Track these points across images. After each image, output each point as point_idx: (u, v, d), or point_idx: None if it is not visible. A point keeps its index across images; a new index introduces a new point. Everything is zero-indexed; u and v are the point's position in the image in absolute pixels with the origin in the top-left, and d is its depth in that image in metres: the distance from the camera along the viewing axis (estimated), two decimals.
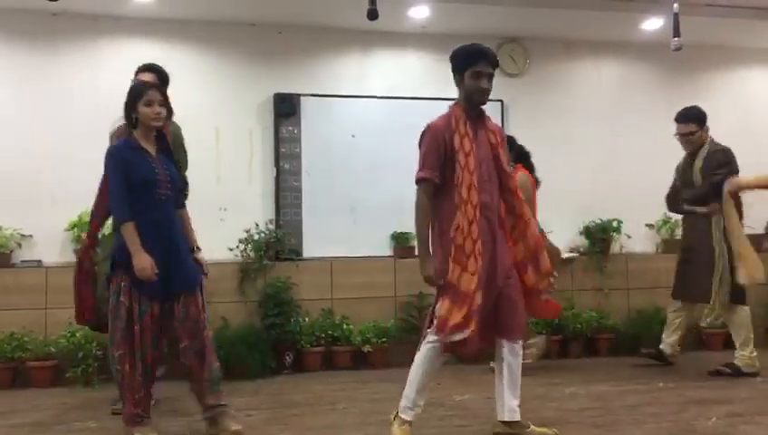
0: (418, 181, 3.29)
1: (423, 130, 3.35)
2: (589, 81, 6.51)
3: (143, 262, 3.26)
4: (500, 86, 6.26)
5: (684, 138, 5.11)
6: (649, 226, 6.36)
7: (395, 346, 5.50)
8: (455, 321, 3.14)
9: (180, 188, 3.62)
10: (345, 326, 5.38)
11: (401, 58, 6.15)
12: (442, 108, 6.46)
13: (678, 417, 3.74)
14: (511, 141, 4.96)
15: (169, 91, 5.59)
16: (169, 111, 3.53)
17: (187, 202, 5.48)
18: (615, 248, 6.10)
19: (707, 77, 6.75)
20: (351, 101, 5.96)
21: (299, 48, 5.93)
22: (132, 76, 4.35)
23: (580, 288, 5.97)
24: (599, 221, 6.05)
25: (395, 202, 5.66)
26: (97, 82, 5.47)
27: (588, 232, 6.13)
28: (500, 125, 6.16)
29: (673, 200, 5.27)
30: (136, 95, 3.46)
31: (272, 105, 5.81)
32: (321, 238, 5.74)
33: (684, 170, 5.17)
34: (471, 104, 3.35)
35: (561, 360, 5.62)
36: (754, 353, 4.83)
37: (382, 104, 5.99)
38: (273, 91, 5.80)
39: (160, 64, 5.67)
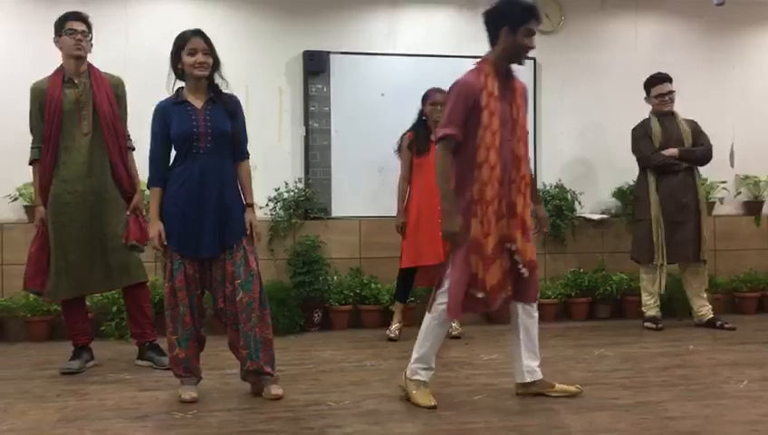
0: (443, 137, 3.21)
1: (452, 84, 3.27)
2: (626, 38, 6.34)
3: (152, 232, 3.34)
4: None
5: (665, 97, 5.26)
6: None
7: (422, 306, 5.51)
8: (482, 276, 3.15)
9: (239, 141, 3.46)
10: (373, 285, 5.41)
11: (431, 15, 6.04)
12: (470, 66, 6.37)
13: (709, 380, 3.71)
14: None
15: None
16: (216, 61, 3.40)
17: None
18: None
19: (751, 35, 6.51)
20: (381, 59, 5.88)
21: (328, 5, 5.85)
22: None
23: (612, 250, 5.90)
24: (631, 183, 5.95)
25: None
26: (127, 39, 5.48)
27: (620, 193, 6.05)
28: (532, 85, 6.09)
29: (658, 156, 5.24)
30: (179, 44, 3.36)
31: (301, 63, 5.76)
32: (349, 197, 5.74)
33: (668, 131, 5.24)
34: (510, 61, 3.28)
35: (590, 322, 5.59)
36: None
37: (411, 62, 5.91)
38: (302, 48, 5.75)
39: (190, 22, 5.67)
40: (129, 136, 4.14)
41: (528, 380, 3.38)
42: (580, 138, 6.17)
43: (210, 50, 3.37)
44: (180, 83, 3.46)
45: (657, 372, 3.90)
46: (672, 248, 5.17)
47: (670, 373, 3.85)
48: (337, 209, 5.73)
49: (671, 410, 3.20)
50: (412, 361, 3.36)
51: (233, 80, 5.61)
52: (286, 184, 5.56)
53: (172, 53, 3.39)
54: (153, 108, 3.46)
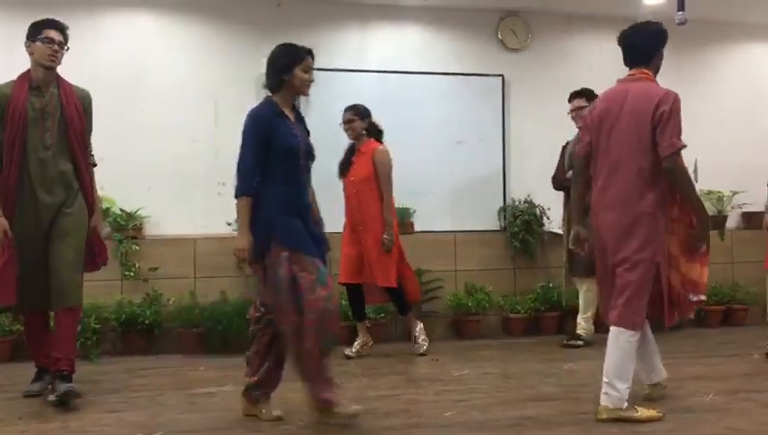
0: (682, 148, 3.26)
1: (673, 94, 3.32)
2: (591, 56, 6.44)
3: (244, 242, 3.15)
4: (501, 61, 6.26)
5: (574, 112, 5.33)
6: None
7: (393, 321, 5.51)
8: (703, 280, 3.48)
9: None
10: (344, 302, 5.37)
11: (401, 31, 6.09)
12: (440, 82, 6.44)
13: (676, 393, 3.75)
14: (367, 111, 4.99)
15: (167, 63, 5.55)
16: None
17: (185, 176, 5.56)
18: None
19: (712, 53, 6.67)
20: (350, 75, 5.90)
21: (298, 21, 5.86)
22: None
23: None
24: None
25: (394, 177, 5.62)
26: (95, 53, 5.42)
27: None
28: (500, 101, 6.17)
29: (557, 180, 5.43)
30: (294, 58, 3.24)
31: None
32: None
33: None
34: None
35: (560, 336, 5.62)
36: (592, 326, 5.26)
37: (381, 78, 5.94)
38: None
39: (158, 37, 5.65)
40: (91, 152, 3.96)
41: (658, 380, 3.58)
42: (547, 153, 6.23)
43: None
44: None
45: None
46: (572, 264, 5.26)
47: (638, 387, 3.88)
48: None
49: (639, 425, 3.22)
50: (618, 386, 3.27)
51: (202, 95, 5.67)
52: None
53: (282, 62, 3.24)
54: (246, 117, 3.27)
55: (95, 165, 4.00)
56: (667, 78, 6.43)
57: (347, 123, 4.95)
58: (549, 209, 6.01)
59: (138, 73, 5.49)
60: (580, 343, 5.17)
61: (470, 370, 4.39)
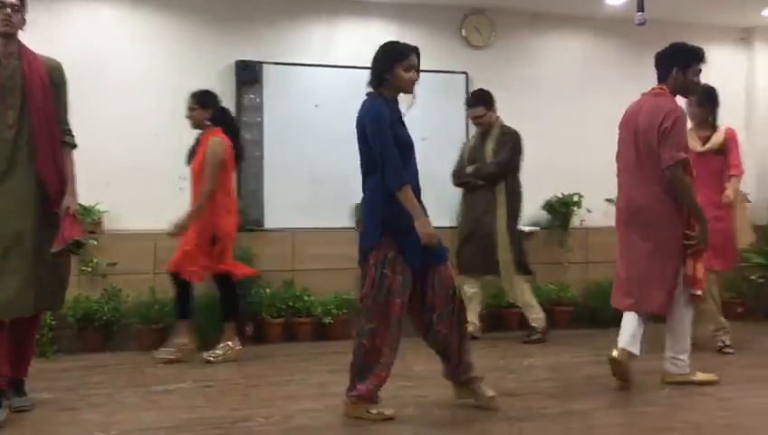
0: (683, 161, 3.62)
1: (676, 111, 3.67)
2: (554, 54, 6.51)
3: (430, 227, 3.15)
4: (465, 58, 6.29)
5: (474, 120, 5.40)
6: (609, 200, 6.40)
7: (355, 318, 5.49)
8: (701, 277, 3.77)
9: None
10: (306, 298, 5.36)
11: (366, 27, 6.07)
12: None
13: (634, 388, 3.81)
14: (210, 99, 4.76)
15: (128, 55, 5.45)
16: None
17: (145, 171, 5.48)
18: (575, 222, 6.17)
19: None
20: (315, 70, 5.87)
21: (262, 14, 5.81)
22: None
23: (541, 261, 6.01)
24: (560, 196, 6.10)
25: (357, 173, 5.57)
26: (55, 43, 5.26)
27: (549, 206, 6.18)
28: (464, 98, 6.19)
29: (458, 175, 5.47)
30: (396, 56, 3.23)
31: (234, 72, 5.69)
32: (282, 209, 5.69)
33: (475, 148, 5.40)
34: (678, 94, 3.84)
35: (521, 332, 5.68)
36: (542, 313, 5.29)
37: (346, 74, 5.90)
38: (235, 58, 5.69)
39: (120, 28, 5.55)
40: (70, 131, 3.54)
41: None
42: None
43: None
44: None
45: (585, 381, 3.98)
46: (462, 260, 5.29)
47: (597, 382, 3.94)
48: (270, 221, 5.67)
49: (596, 419, 3.28)
50: (683, 352, 3.80)
51: (164, 87, 5.58)
52: None
53: (383, 62, 3.27)
54: (363, 107, 3.33)
55: (74, 145, 3.55)
56: (630, 77, 6.59)
57: (188, 110, 4.72)
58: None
59: (98, 65, 5.38)
60: (538, 334, 5.22)
61: (432, 365, 4.39)
